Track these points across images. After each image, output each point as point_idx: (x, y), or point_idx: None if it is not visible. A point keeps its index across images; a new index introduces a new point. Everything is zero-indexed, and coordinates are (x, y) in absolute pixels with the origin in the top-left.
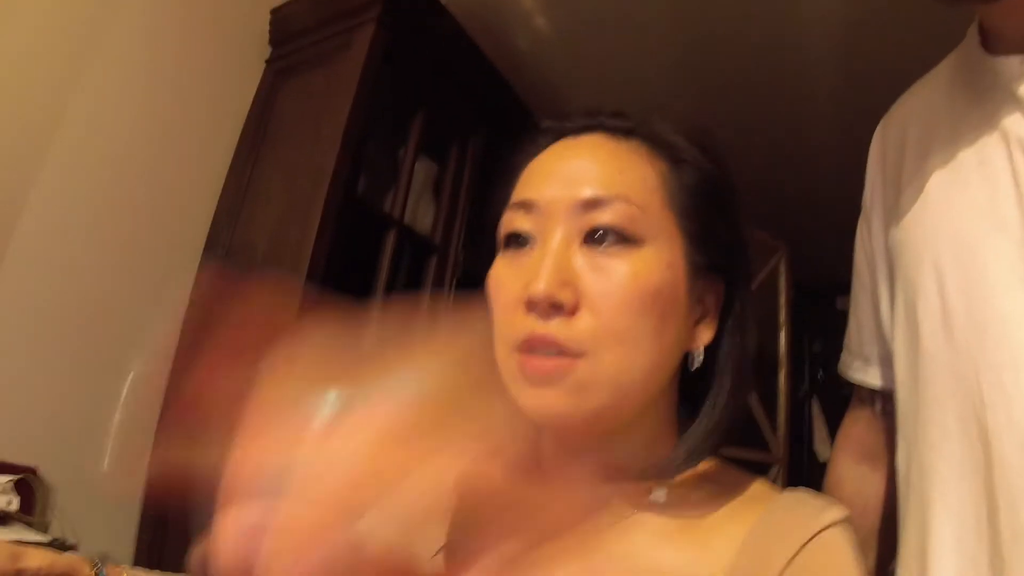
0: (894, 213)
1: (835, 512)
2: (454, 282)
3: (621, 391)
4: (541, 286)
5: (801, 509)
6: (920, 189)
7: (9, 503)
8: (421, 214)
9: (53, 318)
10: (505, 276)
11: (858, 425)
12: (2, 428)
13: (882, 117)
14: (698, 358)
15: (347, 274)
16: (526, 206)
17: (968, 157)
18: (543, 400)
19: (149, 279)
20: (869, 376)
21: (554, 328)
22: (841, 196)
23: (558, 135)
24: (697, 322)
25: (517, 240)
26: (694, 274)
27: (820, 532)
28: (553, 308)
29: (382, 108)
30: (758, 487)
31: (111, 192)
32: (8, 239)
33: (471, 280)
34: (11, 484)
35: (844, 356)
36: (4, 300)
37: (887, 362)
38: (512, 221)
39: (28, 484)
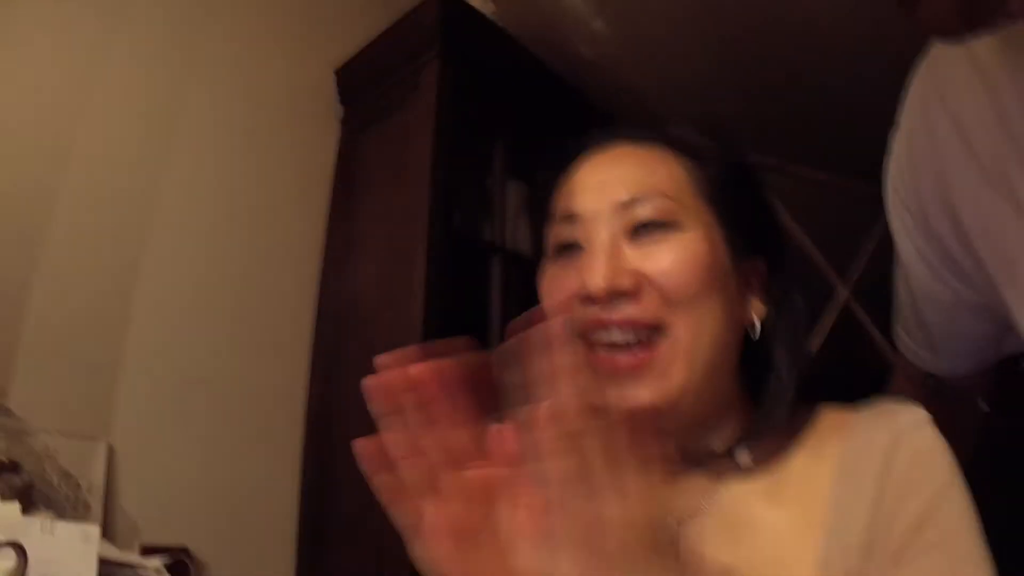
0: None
1: (911, 413)
2: None
3: (695, 365)
4: (599, 280)
5: (877, 423)
6: None
7: None
8: (521, 237)
9: (186, 395)
10: (559, 277)
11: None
12: (150, 510)
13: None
14: (757, 329)
15: (460, 307)
16: (570, 218)
17: None
18: (630, 397)
19: (268, 345)
20: (941, 366)
21: (624, 312)
22: None
23: (586, 152)
24: (748, 299)
25: (566, 248)
26: (736, 254)
27: (901, 438)
28: (616, 296)
29: (463, 139)
30: (828, 415)
31: (216, 270)
32: (130, 321)
33: None
34: (164, 565)
35: (903, 336)
36: (140, 385)
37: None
38: (559, 233)
39: (182, 564)
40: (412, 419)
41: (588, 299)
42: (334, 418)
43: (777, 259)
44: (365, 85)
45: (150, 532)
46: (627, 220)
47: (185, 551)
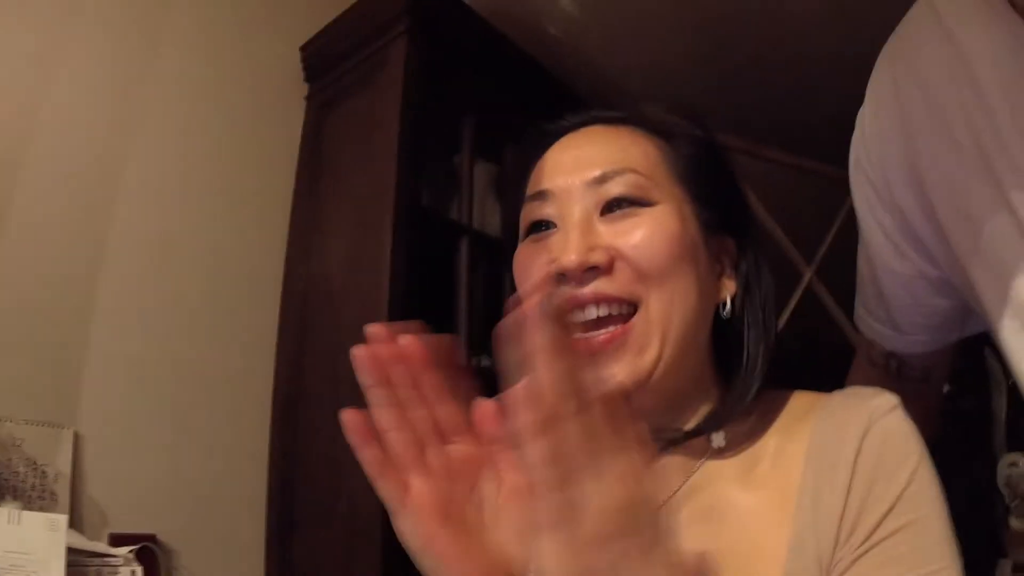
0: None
1: (883, 398)
2: None
3: (669, 340)
4: (572, 256)
5: (849, 408)
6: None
7: (133, 574)
8: (490, 218)
9: (153, 380)
10: (533, 255)
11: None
12: (118, 498)
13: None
14: (728, 307)
15: (427, 287)
16: (542, 196)
17: None
18: (607, 377)
19: (235, 327)
20: (901, 344)
21: (596, 286)
22: None
23: (558, 133)
24: (719, 277)
25: (539, 227)
26: (706, 232)
27: (873, 423)
28: (588, 272)
29: (430, 118)
30: (800, 400)
31: (181, 252)
32: (94, 306)
33: None
34: (132, 554)
35: (864, 315)
36: (106, 371)
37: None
38: (532, 212)
39: (149, 552)
40: (400, 393)
41: (562, 276)
42: (302, 400)
43: (746, 237)
44: (331, 62)
45: (118, 520)
46: (599, 196)
47: (153, 539)
